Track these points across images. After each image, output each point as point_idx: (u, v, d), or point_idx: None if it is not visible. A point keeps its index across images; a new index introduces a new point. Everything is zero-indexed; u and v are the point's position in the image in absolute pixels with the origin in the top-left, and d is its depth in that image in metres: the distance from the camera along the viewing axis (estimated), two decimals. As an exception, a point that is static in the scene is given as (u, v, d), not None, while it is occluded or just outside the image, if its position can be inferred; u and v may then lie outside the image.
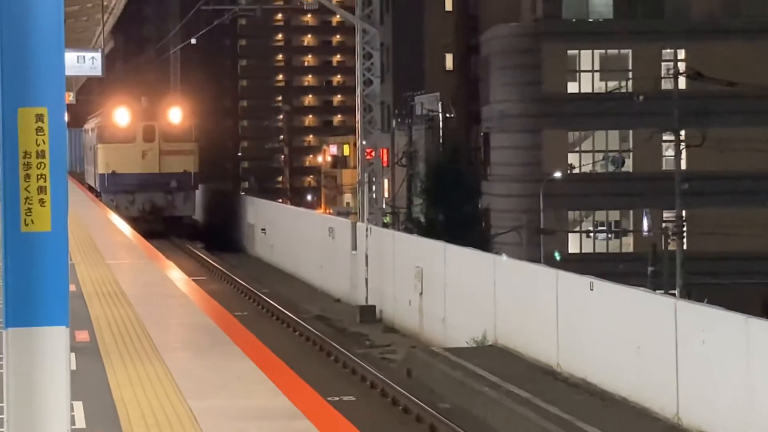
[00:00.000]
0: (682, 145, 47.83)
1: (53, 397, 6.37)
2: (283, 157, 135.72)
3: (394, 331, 33.71)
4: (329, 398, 14.18)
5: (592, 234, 56.50)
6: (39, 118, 6.30)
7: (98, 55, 27.80)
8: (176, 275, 22.78)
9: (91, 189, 66.02)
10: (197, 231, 61.71)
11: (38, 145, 6.32)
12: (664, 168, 52.89)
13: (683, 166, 47.67)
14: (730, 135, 50.83)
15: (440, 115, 62.87)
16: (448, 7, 76.36)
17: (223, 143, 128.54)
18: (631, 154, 56.05)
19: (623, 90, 54.36)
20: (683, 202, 46.71)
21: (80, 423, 10.03)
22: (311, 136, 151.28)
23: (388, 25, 69.58)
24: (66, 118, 6.61)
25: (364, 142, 45.10)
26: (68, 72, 24.24)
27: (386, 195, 66.50)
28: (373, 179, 52.16)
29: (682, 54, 54.90)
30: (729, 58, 52.55)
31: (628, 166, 56.11)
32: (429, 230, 46.70)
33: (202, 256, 52.00)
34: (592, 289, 22.11)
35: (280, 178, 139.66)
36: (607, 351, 21.09)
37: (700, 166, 49.93)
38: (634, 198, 53.68)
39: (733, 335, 17.50)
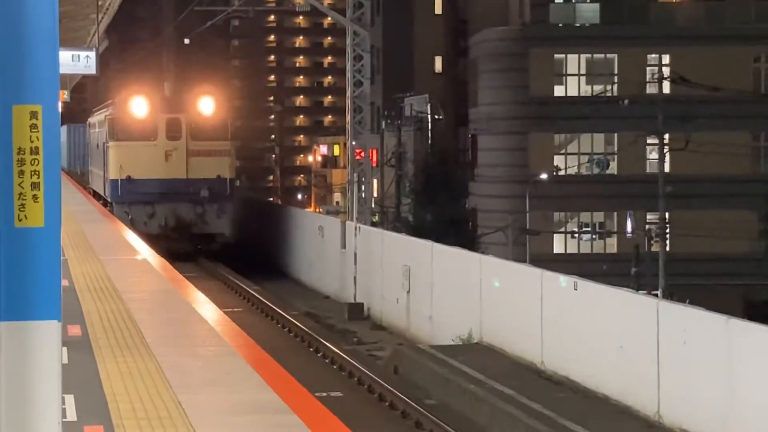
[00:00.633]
0: (666, 149, 47.93)
1: (45, 390, 6.34)
2: (274, 156, 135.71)
3: (381, 328, 33.68)
4: (317, 393, 14.17)
5: (576, 235, 56.57)
6: (33, 115, 6.27)
7: (93, 54, 27.76)
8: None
9: (95, 195, 54.13)
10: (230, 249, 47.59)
11: (32, 142, 6.29)
12: (648, 171, 52.98)
13: (667, 168, 47.74)
14: (713, 139, 50.91)
15: (429, 116, 62.89)
16: (438, 10, 76.38)
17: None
18: (615, 156, 56.12)
19: (609, 94, 54.45)
20: (666, 205, 46.79)
21: (71, 416, 9.99)
22: (302, 136, 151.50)
23: (378, 27, 69.54)
24: (60, 116, 6.60)
25: (353, 143, 45.10)
26: (63, 70, 24.17)
27: (375, 195, 66.50)
28: (363, 179, 52.07)
29: (666, 59, 55.04)
30: (712, 63, 52.65)
31: (613, 168, 56.18)
32: (417, 230, 46.70)
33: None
34: (576, 289, 22.13)
35: (271, 178, 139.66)
36: (590, 350, 21.11)
37: (683, 169, 50.00)
38: (618, 200, 53.76)
39: (715, 336, 17.52)
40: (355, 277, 36.91)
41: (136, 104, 43.74)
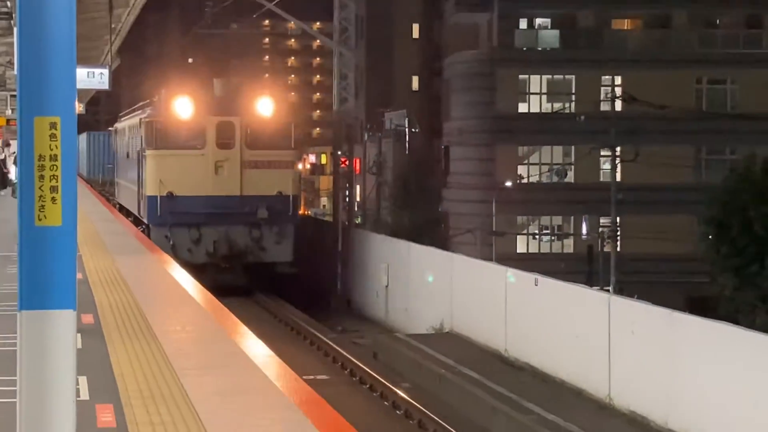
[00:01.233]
0: (618, 160, 48.02)
1: (61, 372, 6.31)
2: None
3: (363, 319, 33.60)
4: (304, 377, 14.09)
5: (537, 236, 56.58)
6: (52, 125, 6.25)
7: (106, 71, 27.49)
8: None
9: (122, 211, 41.93)
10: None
11: (51, 150, 6.24)
12: (601, 179, 52.99)
13: (618, 177, 47.80)
14: (659, 151, 51.04)
15: (407, 129, 62.76)
16: (415, 35, 76.33)
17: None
18: (572, 166, 56.17)
19: (567, 111, 54.50)
20: (617, 210, 46.85)
21: (84, 395, 9.90)
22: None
23: (361, 49, 69.45)
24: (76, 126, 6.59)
25: (339, 153, 45.04)
26: (79, 85, 24.04)
27: (358, 199, 66.43)
28: (347, 185, 52.01)
29: (618, 80, 55.09)
30: (659, 84, 52.76)
31: (570, 177, 56.23)
32: (395, 231, 46.64)
33: None
34: (536, 285, 22.13)
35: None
36: (549, 339, 21.11)
37: (632, 179, 50.07)
38: (574, 205, 53.79)
39: (659, 327, 17.54)
40: (339, 273, 36.87)
41: (180, 105, 32.18)
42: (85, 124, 73.10)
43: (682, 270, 47.06)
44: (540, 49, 57.42)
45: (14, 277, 6.75)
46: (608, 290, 39.81)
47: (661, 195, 52.20)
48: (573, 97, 55.59)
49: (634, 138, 47.79)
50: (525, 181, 55.99)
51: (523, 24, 57.75)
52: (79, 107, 41.10)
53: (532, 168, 56.60)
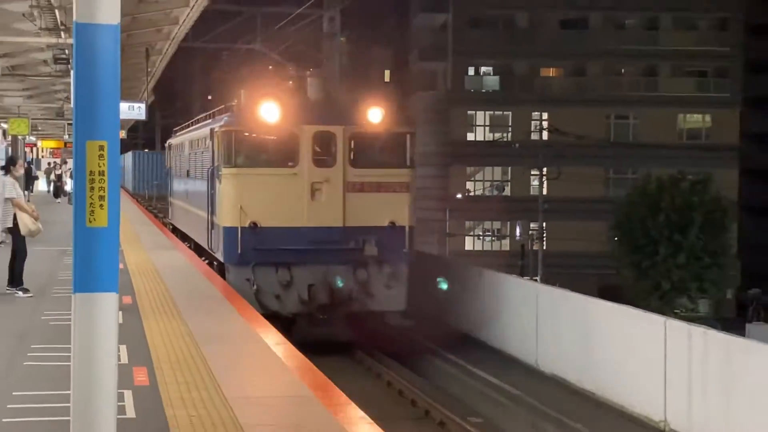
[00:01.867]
0: (544, 178, 48.22)
1: (105, 341, 6.22)
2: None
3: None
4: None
5: (481, 237, 56.72)
6: (101, 148, 6.19)
7: (143, 105, 27.26)
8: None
9: (175, 231, 29.23)
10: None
11: (99, 167, 6.18)
12: (532, 193, 53.22)
13: (545, 192, 48.02)
14: (577, 171, 51.32)
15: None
16: (387, 79, 76.39)
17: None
18: (509, 183, 56.35)
19: (505, 139, 54.71)
20: (544, 217, 47.05)
21: (124, 360, 9.84)
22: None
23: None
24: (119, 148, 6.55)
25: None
26: (121, 116, 23.94)
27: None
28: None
29: (546, 116, 55.38)
30: (578, 119, 53.05)
31: (507, 191, 56.42)
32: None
33: None
34: (481, 276, 22.04)
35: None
36: (492, 318, 21.05)
37: (556, 193, 50.29)
38: (510, 213, 54.00)
39: (577, 309, 17.61)
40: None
41: (266, 111, 19.94)
42: (125, 146, 72.41)
43: (595, 264, 47.35)
44: (484, 90, 57.63)
45: (69, 267, 6.65)
46: (536, 280, 39.92)
47: (579, 205, 52.52)
48: (510, 129, 55.82)
49: (558, 161, 48.05)
50: (472, 193, 56.21)
51: (471, 71, 57.96)
52: (122, 133, 41.01)
53: (478, 184, 56.84)
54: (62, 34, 19.00)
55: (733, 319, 39.16)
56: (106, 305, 6.17)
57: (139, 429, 7.32)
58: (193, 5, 19.95)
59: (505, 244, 55.38)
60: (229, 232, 19.15)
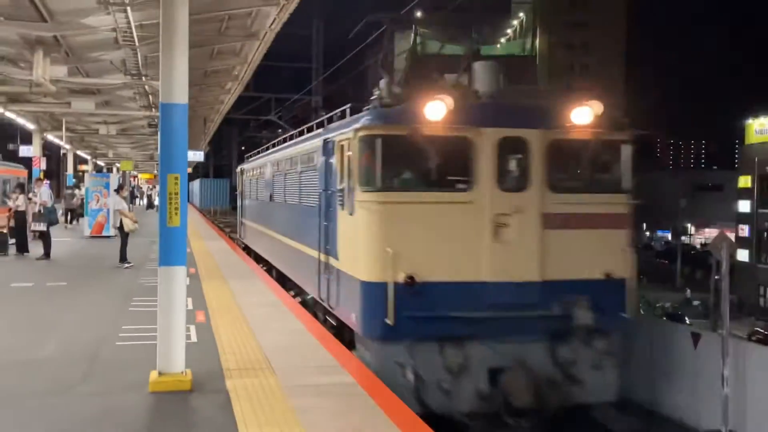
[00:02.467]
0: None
1: (179, 296, 7.16)
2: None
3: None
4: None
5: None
6: (176, 178, 7.10)
7: (201, 152, 35.18)
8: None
9: (247, 250, 20.17)
10: None
11: (174, 189, 7.10)
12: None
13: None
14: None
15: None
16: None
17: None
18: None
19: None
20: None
21: (190, 306, 10.85)
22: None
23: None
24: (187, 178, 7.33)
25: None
26: (188, 158, 26.92)
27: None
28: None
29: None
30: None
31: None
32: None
33: None
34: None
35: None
36: None
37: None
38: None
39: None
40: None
41: (430, 110, 8.06)
42: (191, 177, 73.80)
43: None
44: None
45: (156, 251, 7.60)
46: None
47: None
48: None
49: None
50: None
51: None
52: (189, 169, 45.98)
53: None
54: (153, 109, 23.20)
55: None
56: (179, 273, 7.11)
57: (199, 348, 8.75)
58: (233, 92, 23.41)
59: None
60: (373, 290, 8.78)
